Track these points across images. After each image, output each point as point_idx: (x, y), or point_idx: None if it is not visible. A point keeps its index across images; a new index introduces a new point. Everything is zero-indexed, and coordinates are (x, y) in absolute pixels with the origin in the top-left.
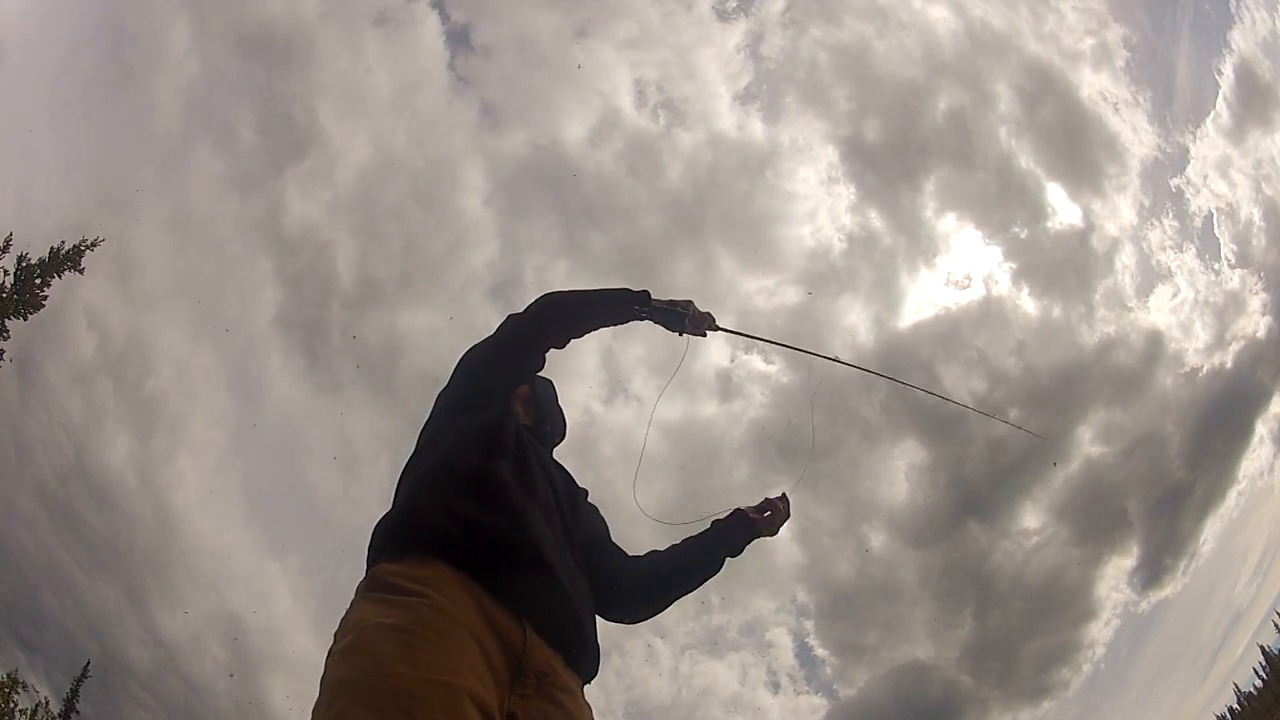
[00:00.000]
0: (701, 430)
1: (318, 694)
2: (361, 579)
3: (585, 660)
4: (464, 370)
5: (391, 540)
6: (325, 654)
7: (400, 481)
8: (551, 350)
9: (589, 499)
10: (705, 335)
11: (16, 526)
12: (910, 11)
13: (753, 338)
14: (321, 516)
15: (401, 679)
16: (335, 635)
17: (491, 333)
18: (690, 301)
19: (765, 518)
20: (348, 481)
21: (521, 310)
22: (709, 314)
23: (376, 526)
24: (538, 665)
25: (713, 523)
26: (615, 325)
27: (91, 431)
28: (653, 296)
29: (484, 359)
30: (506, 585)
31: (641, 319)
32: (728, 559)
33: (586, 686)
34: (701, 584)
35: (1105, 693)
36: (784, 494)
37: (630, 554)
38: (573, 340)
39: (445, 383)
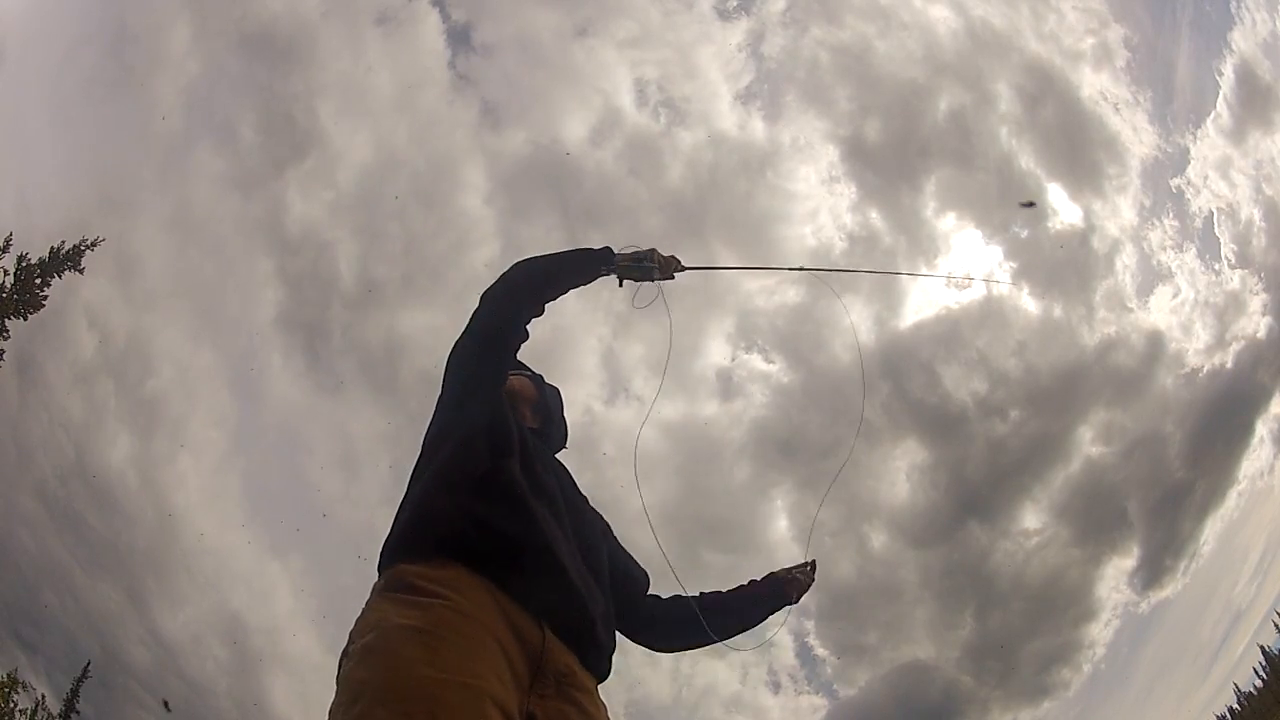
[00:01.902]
0: (701, 430)
1: (336, 693)
2: (377, 580)
3: (600, 660)
4: (456, 364)
5: (409, 542)
6: (330, 653)
7: (410, 483)
8: (531, 319)
9: (590, 504)
10: (674, 278)
11: (17, 526)
12: (911, 11)
13: (726, 268)
14: (322, 516)
15: (424, 681)
16: (351, 635)
17: (470, 318)
18: (653, 250)
19: (795, 587)
20: (349, 481)
21: (494, 284)
22: (674, 258)
23: (391, 529)
24: (557, 666)
25: (755, 584)
26: (584, 283)
27: (92, 432)
28: (615, 252)
29: (472, 346)
30: (523, 587)
31: (609, 274)
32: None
33: (601, 685)
34: (726, 639)
35: (1105, 693)
36: (813, 562)
37: (654, 594)
38: (547, 305)
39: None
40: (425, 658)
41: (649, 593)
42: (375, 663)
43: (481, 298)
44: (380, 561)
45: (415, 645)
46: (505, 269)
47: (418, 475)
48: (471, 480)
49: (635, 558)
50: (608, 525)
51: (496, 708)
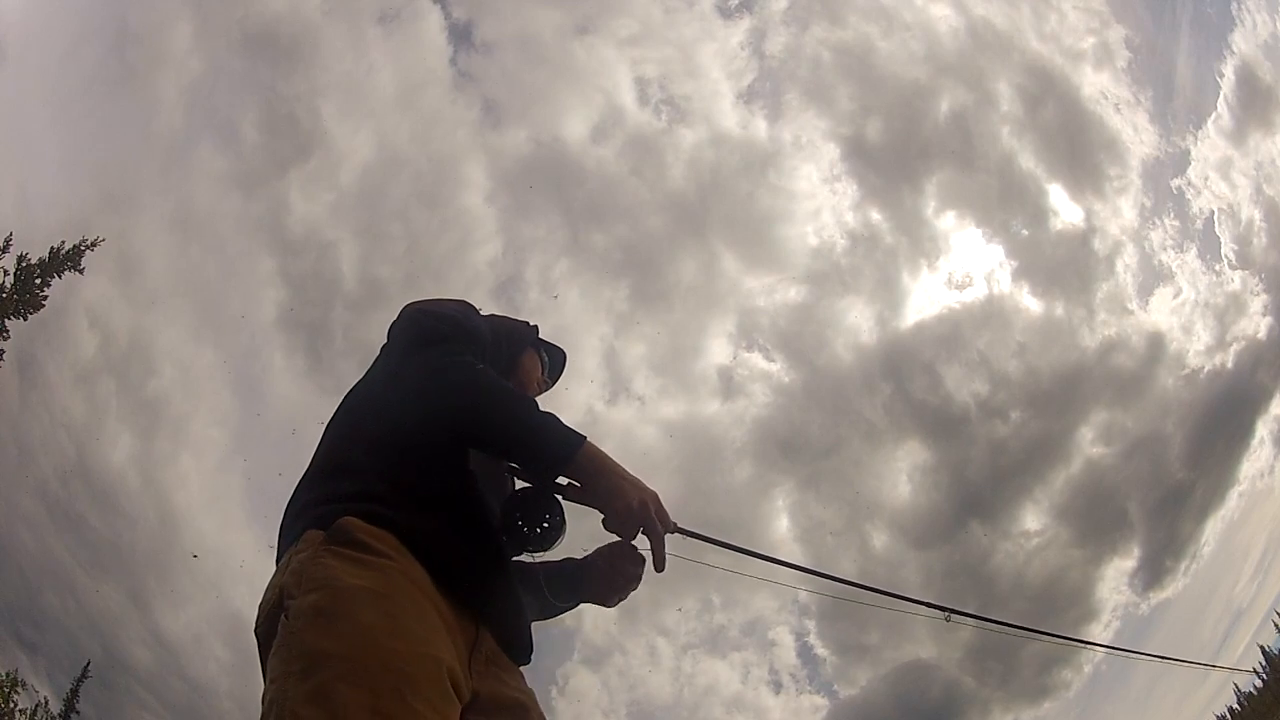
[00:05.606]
0: (702, 429)
1: (277, 654)
2: (309, 530)
3: (525, 656)
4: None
5: (360, 512)
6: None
7: (358, 426)
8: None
9: None
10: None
11: (18, 527)
12: (913, 10)
13: (721, 544)
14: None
15: (391, 654)
16: (285, 587)
17: (422, 353)
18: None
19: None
20: None
21: (447, 371)
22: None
23: (340, 485)
24: (488, 645)
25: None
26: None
27: (93, 432)
28: (579, 454)
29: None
30: (464, 589)
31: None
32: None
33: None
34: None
35: (1106, 693)
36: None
37: None
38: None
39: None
40: (388, 627)
41: None
42: (333, 629)
43: (454, 383)
44: (310, 512)
45: (375, 612)
46: (473, 387)
47: (372, 430)
48: (444, 499)
49: None
50: None
51: (451, 680)
